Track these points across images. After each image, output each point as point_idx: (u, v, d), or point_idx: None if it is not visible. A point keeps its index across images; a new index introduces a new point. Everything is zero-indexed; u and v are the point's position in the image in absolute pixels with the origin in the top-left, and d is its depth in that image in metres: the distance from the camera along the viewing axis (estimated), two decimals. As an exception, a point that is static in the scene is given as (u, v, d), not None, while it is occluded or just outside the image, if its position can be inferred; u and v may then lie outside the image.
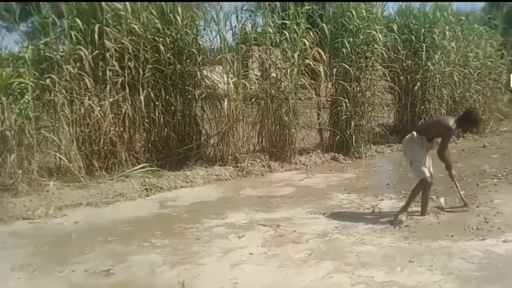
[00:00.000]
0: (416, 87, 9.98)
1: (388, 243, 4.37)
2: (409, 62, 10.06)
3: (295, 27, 8.03)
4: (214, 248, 4.35)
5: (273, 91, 7.96)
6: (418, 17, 10.40)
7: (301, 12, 8.04)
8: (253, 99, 8.00)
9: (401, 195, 5.98)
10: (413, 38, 10.11)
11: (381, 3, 9.28)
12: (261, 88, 8.00)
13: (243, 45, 7.83)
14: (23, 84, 6.06)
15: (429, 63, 9.95)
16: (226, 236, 4.67)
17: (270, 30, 7.94)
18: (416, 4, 10.63)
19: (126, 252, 4.30)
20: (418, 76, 10.00)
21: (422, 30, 10.12)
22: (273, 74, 8.08)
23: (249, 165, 7.41)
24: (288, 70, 8.03)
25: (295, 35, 8.03)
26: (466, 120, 5.08)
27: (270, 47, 8.05)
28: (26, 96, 6.06)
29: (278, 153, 7.94)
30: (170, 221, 5.23)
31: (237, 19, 7.96)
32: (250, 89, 7.80)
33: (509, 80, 9.50)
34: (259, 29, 8.37)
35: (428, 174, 5.01)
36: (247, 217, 5.30)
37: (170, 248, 4.37)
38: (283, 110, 7.91)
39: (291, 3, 8.06)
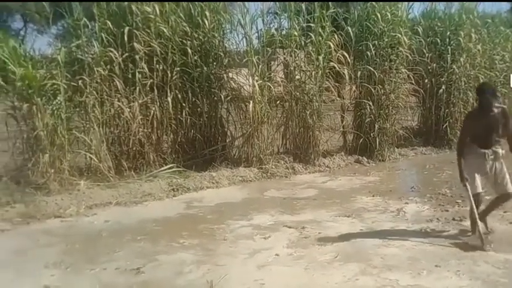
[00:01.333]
0: (441, 90, 9.83)
1: (413, 247, 4.35)
2: (434, 64, 9.90)
3: (320, 30, 8.03)
4: (241, 249, 4.39)
5: (297, 93, 7.97)
6: (444, 19, 10.24)
7: (326, 16, 8.02)
8: (278, 102, 8.02)
9: (425, 199, 5.94)
10: (439, 41, 9.97)
11: (406, 5, 9.22)
12: (285, 90, 8.02)
13: (268, 48, 7.88)
14: (55, 86, 6.20)
15: (454, 66, 9.80)
16: (252, 237, 4.71)
17: (295, 33, 7.96)
18: (441, 6, 10.52)
19: (154, 251, 4.37)
20: (443, 79, 9.86)
21: (448, 33, 9.96)
22: (298, 77, 8.09)
23: (273, 166, 7.43)
24: (313, 73, 8.03)
25: (320, 38, 8.03)
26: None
27: (295, 49, 8.07)
28: (58, 98, 6.20)
29: (302, 155, 7.93)
30: (197, 221, 5.29)
31: (263, 22, 8.01)
32: (275, 91, 7.82)
33: (510, 80, 9.37)
34: (284, 32, 8.41)
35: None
36: (272, 218, 5.32)
37: (197, 248, 4.42)
38: (308, 112, 7.91)
39: (316, 6, 8.06)
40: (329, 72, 8.22)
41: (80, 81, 6.45)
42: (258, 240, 4.64)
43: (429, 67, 9.89)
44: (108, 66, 6.69)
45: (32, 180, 5.88)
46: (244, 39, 7.87)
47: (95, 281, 3.76)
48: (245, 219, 5.32)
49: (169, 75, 7.13)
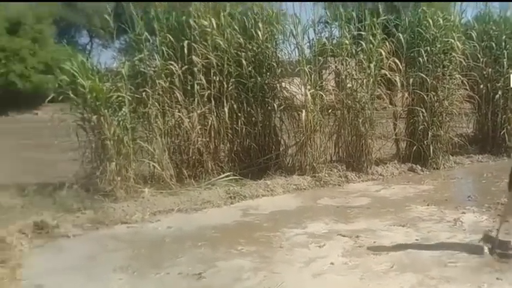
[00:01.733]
0: (497, 96, 9.58)
1: (472, 258, 4.29)
2: (490, 69, 9.65)
3: (371, 37, 8.04)
4: (296, 257, 4.47)
5: (349, 101, 8.02)
6: (499, 22, 9.99)
7: (377, 23, 8.05)
8: (330, 110, 8.09)
9: (484, 209, 5.84)
10: (494, 45, 9.73)
11: (459, 10, 9.11)
12: (337, 99, 8.08)
13: (320, 57, 7.98)
14: (120, 98, 6.51)
15: (511, 71, 9.60)
16: (307, 245, 4.79)
17: (346, 41, 8.02)
18: (496, 9, 10.28)
19: (214, 257, 4.53)
20: (499, 84, 9.60)
21: (503, 37, 9.72)
22: (349, 85, 8.15)
23: (326, 175, 7.49)
24: (364, 80, 8.06)
25: (371, 46, 8.04)
26: None
27: (346, 57, 8.13)
28: (123, 109, 6.50)
29: (355, 163, 7.97)
30: (253, 229, 5.42)
31: (314, 32, 8.15)
32: (327, 100, 7.91)
33: (510, 80, 9.04)
34: (335, 41, 8.50)
35: None
36: (327, 227, 5.39)
37: (255, 255, 4.54)
38: (360, 120, 7.94)
39: (367, 14, 8.10)
40: (380, 80, 8.21)
41: (143, 93, 6.75)
42: (312, 248, 4.72)
43: (484, 72, 9.65)
44: (169, 79, 6.96)
45: (100, 187, 6.18)
46: (296, 49, 7.99)
47: (160, 285, 3.96)
48: (300, 227, 5.40)
49: (226, 86, 7.34)
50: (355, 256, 4.46)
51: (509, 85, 8.68)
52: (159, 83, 6.85)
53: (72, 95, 6.51)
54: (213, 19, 7.31)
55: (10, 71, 23.72)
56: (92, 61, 7.13)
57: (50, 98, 6.89)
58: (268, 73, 7.90)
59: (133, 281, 4.08)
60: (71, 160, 7.08)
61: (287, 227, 5.44)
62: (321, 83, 8.08)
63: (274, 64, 7.87)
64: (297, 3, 7.93)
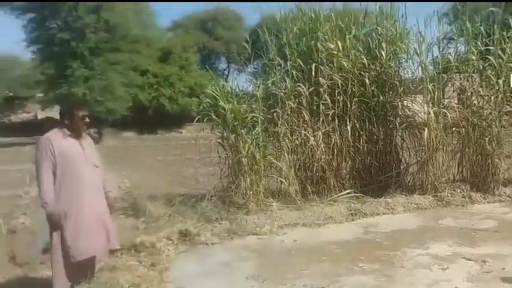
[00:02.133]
0: None
1: None
2: None
3: (499, 52, 7.41)
4: (419, 278, 4.26)
5: (474, 119, 7.46)
6: None
7: (507, 37, 7.38)
8: (454, 128, 7.57)
9: None
10: None
11: None
12: (461, 116, 7.55)
13: (444, 74, 7.52)
14: (255, 118, 6.71)
15: None
16: (429, 267, 4.53)
17: (473, 57, 7.48)
18: None
19: (336, 272, 4.48)
20: None
21: None
22: (475, 102, 7.59)
23: (448, 195, 7.01)
24: (492, 97, 7.44)
25: (500, 60, 7.40)
26: None
27: (472, 74, 7.58)
28: (256, 128, 6.70)
29: (480, 183, 7.36)
30: (374, 247, 5.27)
31: (439, 49, 7.69)
32: (451, 117, 7.41)
33: (510, 80, 7.39)
34: (460, 57, 7.95)
35: None
36: (450, 249, 5.05)
37: (377, 273, 4.41)
38: (486, 139, 7.32)
39: (495, 28, 7.48)
40: (510, 96, 7.51)
41: (274, 114, 6.91)
42: (435, 270, 4.45)
43: None
44: (297, 100, 7.03)
45: (235, 200, 6.43)
46: (419, 67, 7.62)
47: (287, 296, 4.01)
48: (421, 247, 5.13)
49: (349, 105, 7.22)
50: (481, 282, 4.13)
51: (510, 85, 7.44)
52: (288, 103, 6.95)
53: (214, 116, 6.89)
54: (339, 42, 7.27)
55: (161, 95, 25.90)
56: (230, 85, 7.46)
57: (196, 118, 7.35)
58: (390, 92, 7.64)
59: (264, 289, 4.16)
60: (210, 174, 7.53)
61: (408, 246, 5.20)
62: (444, 100, 7.57)
63: (397, 83, 7.58)
64: (422, 21, 7.55)
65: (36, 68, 26.37)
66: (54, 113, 24.25)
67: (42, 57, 22.81)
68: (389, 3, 7.80)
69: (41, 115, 29.97)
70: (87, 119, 3.81)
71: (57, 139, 3.63)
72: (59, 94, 21.17)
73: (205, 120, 7.10)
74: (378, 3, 7.84)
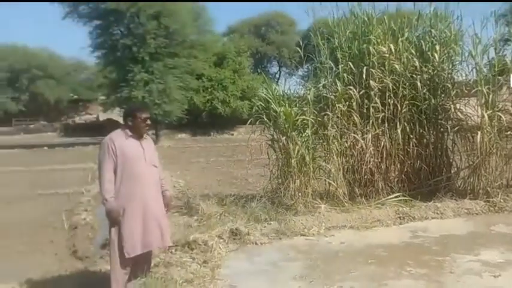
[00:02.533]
0: None
1: None
2: None
3: (557, 53, 7.08)
4: (469, 285, 4.17)
5: (530, 123, 7.15)
6: None
7: None
8: (508, 132, 7.26)
9: None
10: None
11: None
12: (517, 120, 7.26)
13: (500, 77, 7.25)
14: (305, 121, 6.72)
15: None
16: (480, 274, 4.41)
17: (531, 58, 7.17)
18: None
19: (384, 276, 4.44)
20: None
21: None
22: (531, 105, 7.27)
23: (501, 200, 6.74)
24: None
25: (558, 62, 7.06)
26: None
27: (530, 76, 7.26)
28: (307, 131, 6.71)
29: (535, 189, 7.05)
30: (422, 251, 5.16)
31: (495, 51, 7.41)
32: (506, 120, 7.12)
33: (510, 80, 6.59)
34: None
35: None
36: (502, 256, 4.87)
37: (425, 278, 4.34)
38: (542, 143, 7.03)
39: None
40: None
41: (324, 117, 6.90)
42: (486, 277, 4.33)
43: None
44: (347, 103, 6.99)
45: (283, 201, 6.48)
46: (474, 69, 7.38)
47: (335, 297, 4.02)
48: (472, 253, 4.98)
49: (399, 108, 7.10)
50: (534, 290, 3.97)
51: (510, 85, 6.98)
52: (338, 106, 6.92)
53: (265, 119, 7.00)
54: (391, 45, 7.18)
55: (214, 98, 26.39)
56: (281, 88, 7.53)
57: (248, 121, 7.48)
58: (442, 95, 7.46)
59: (310, 289, 4.18)
60: (260, 176, 7.62)
61: (458, 252, 5.07)
62: (499, 103, 7.28)
63: (450, 86, 7.39)
64: (478, 22, 7.30)
65: (100, 72, 27.70)
66: (115, 115, 25.43)
67: (106, 62, 23.87)
68: (443, 3, 7.64)
69: (103, 117, 31.41)
70: (148, 121, 3.99)
71: (120, 139, 3.81)
72: (120, 97, 22.06)
73: (257, 122, 7.22)
74: (433, 4, 7.67)
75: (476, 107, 7.29)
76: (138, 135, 3.92)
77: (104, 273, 4.51)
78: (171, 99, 22.53)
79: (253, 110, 7.79)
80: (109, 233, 3.81)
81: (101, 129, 24.91)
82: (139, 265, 3.94)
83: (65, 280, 4.69)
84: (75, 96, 39.55)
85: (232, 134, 27.31)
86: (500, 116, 7.04)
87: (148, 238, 3.82)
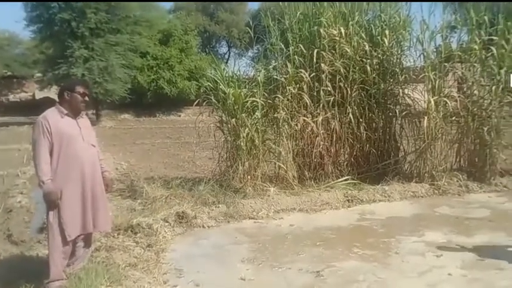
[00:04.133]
0: None
1: None
2: None
3: (503, 42, 7.41)
4: (412, 265, 4.33)
5: (474, 109, 7.48)
6: None
7: (512, 28, 7.36)
8: (453, 117, 7.61)
9: None
10: None
11: None
12: (461, 106, 7.57)
13: (446, 64, 7.51)
14: (255, 103, 6.71)
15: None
16: (424, 254, 4.60)
17: (476, 46, 7.47)
18: None
19: (331, 257, 4.54)
20: None
21: None
22: (476, 92, 7.60)
23: (445, 183, 7.03)
24: (493, 87, 7.43)
25: (503, 51, 7.41)
26: None
27: (474, 64, 7.58)
28: (256, 113, 6.71)
29: (477, 173, 7.41)
30: (369, 233, 5.33)
31: (442, 37, 7.67)
32: (451, 108, 7.41)
33: (510, 80, 7.45)
34: (463, 46, 7.93)
35: None
36: (445, 237, 5.10)
37: (371, 259, 4.47)
38: (485, 129, 7.37)
39: (500, 18, 7.48)
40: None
41: (274, 99, 6.90)
42: (429, 257, 4.52)
43: None
44: (298, 85, 7.02)
45: (232, 184, 6.47)
46: (421, 55, 7.63)
47: (282, 279, 4.06)
48: (416, 235, 5.19)
49: (349, 92, 7.23)
50: (475, 269, 4.20)
51: (510, 85, 7.47)
52: (289, 89, 6.93)
53: (214, 100, 6.91)
54: (342, 28, 7.25)
55: (160, 77, 25.75)
56: (231, 69, 7.48)
57: (196, 102, 7.34)
58: (391, 79, 7.67)
59: (259, 272, 4.24)
60: (208, 158, 7.54)
61: (403, 234, 5.27)
62: (445, 89, 7.57)
63: (398, 71, 7.60)
64: (426, 9, 7.53)
65: (36, 48, 26.20)
66: (52, 93, 24.25)
67: (42, 37, 22.64)
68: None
69: (39, 95, 29.85)
70: (87, 98, 3.82)
71: (54, 118, 3.63)
72: (58, 74, 21.05)
73: (204, 103, 7.11)
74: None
75: (423, 92, 7.54)
76: (75, 113, 3.75)
77: (41, 258, 4.36)
78: (113, 78, 21.75)
79: (201, 90, 7.65)
80: (46, 216, 3.66)
81: (37, 108, 23.51)
82: (78, 249, 3.82)
83: (-2, 265, 4.47)
84: (9, 73, 37.36)
85: (179, 116, 26.79)
86: (446, 102, 7.29)
87: (87, 220, 3.71)
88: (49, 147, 3.56)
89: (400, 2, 7.85)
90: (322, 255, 4.61)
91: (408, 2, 7.86)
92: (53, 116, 3.64)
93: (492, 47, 7.44)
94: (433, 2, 7.77)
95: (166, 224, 5.30)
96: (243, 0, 34.38)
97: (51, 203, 3.56)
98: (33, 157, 3.62)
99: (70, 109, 3.72)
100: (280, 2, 7.68)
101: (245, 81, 7.09)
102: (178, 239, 5.12)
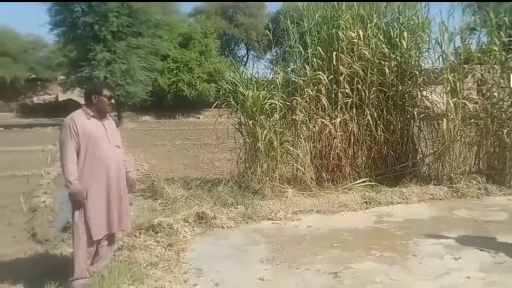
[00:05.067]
0: None
1: None
2: None
3: (524, 43, 7.32)
4: (430, 267, 4.30)
5: (494, 111, 7.39)
6: None
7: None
8: (472, 120, 7.52)
9: None
10: None
11: None
12: (481, 108, 7.48)
13: (465, 65, 7.44)
14: (273, 105, 6.74)
15: None
16: (442, 256, 4.57)
17: (495, 48, 7.39)
18: None
19: (349, 259, 4.54)
20: None
21: None
22: (495, 94, 7.51)
23: (464, 186, 6.96)
24: (512, 83, 7.35)
25: (524, 52, 7.31)
26: None
27: (494, 65, 7.49)
28: (275, 115, 6.73)
29: (496, 176, 7.31)
30: (387, 235, 5.31)
31: (461, 39, 7.60)
32: (470, 108, 7.33)
33: (509, 80, 7.19)
34: (483, 47, 7.84)
35: None
36: (463, 240, 5.03)
37: (388, 261, 4.46)
38: (505, 131, 7.27)
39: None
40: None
41: (293, 101, 6.92)
42: (447, 260, 4.48)
43: None
44: (316, 87, 7.02)
45: (250, 185, 6.51)
46: (440, 57, 7.57)
47: (300, 280, 4.07)
48: (434, 237, 5.15)
49: (367, 94, 7.21)
50: (493, 272, 4.15)
51: (510, 85, 7.34)
52: (307, 91, 6.94)
53: (233, 102, 6.97)
54: (360, 30, 7.24)
55: (180, 80, 25.98)
56: (250, 71, 7.55)
57: (215, 104, 7.40)
58: (409, 82, 7.63)
59: (277, 272, 4.25)
60: (227, 160, 7.59)
61: (421, 236, 5.24)
62: (465, 91, 7.48)
63: (417, 73, 7.56)
64: (445, 10, 7.48)
65: (59, 51, 26.69)
66: (75, 95, 24.68)
67: (65, 40, 23.08)
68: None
69: (62, 97, 30.39)
70: (113, 101, 3.91)
71: (81, 120, 3.71)
72: (81, 77, 21.44)
73: (223, 106, 7.16)
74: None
75: (442, 94, 7.47)
76: (101, 115, 3.84)
77: (65, 256, 4.44)
78: (135, 80, 22.06)
79: (220, 93, 7.71)
80: (72, 215, 3.73)
81: (60, 110, 24.10)
82: (102, 248, 3.89)
83: (23, 263, 4.57)
84: (33, 75, 38.08)
85: (199, 118, 27.01)
86: (465, 104, 7.21)
87: (113, 220, 3.78)
88: (76, 148, 3.63)
89: (419, 3, 7.81)
90: (339, 257, 4.61)
91: (427, 3, 7.81)
92: (79, 118, 3.72)
93: (512, 48, 7.36)
94: (452, 3, 7.72)
95: (187, 224, 5.35)
96: (261, 0, 34.35)
97: (77, 202, 3.64)
98: (60, 158, 3.70)
99: (97, 111, 3.80)
100: (299, 5, 7.68)
101: (263, 84, 7.12)
102: (198, 239, 5.17)
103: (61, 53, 26.47)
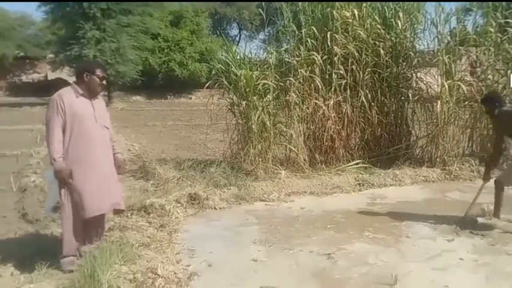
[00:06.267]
0: None
1: None
2: None
3: (520, 25, 7.24)
4: (423, 248, 4.31)
5: (488, 93, 7.39)
6: None
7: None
8: (466, 102, 7.50)
9: None
10: None
11: None
12: (475, 90, 7.47)
13: (460, 47, 7.39)
14: (266, 85, 6.68)
15: None
16: (434, 238, 4.58)
17: (491, 29, 7.33)
18: None
19: (343, 240, 4.54)
20: None
21: None
22: (490, 76, 7.48)
23: (457, 168, 6.97)
24: (508, 71, 7.31)
25: (520, 34, 7.25)
26: None
27: (490, 47, 7.44)
28: (268, 96, 6.68)
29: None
30: (380, 217, 5.31)
31: (457, 20, 7.54)
32: (464, 92, 7.31)
33: (509, 79, 7.27)
34: (478, 29, 7.79)
35: None
36: (456, 222, 5.01)
37: (381, 243, 4.47)
38: (499, 114, 7.27)
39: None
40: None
41: (286, 82, 6.86)
42: (440, 241, 4.50)
43: None
44: (310, 68, 6.96)
45: (243, 167, 6.49)
46: (436, 39, 7.51)
47: (293, 261, 4.07)
48: (427, 219, 5.15)
49: (362, 75, 7.17)
50: (486, 254, 4.18)
51: (510, 85, 7.32)
52: (301, 72, 6.88)
53: (225, 82, 6.88)
54: (355, 10, 7.16)
55: (171, 60, 25.64)
56: (242, 51, 7.42)
57: (207, 84, 7.31)
58: (404, 63, 7.60)
59: (271, 253, 4.25)
60: (219, 141, 7.55)
61: (414, 218, 5.24)
62: (459, 73, 7.45)
63: (411, 54, 7.52)
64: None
65: (48, 29, 26.18)
66: (65, 74, 24.31)
67: (54, 18, 22.64)
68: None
69: (51, 76, 29.93)
70: (104, 81, 3.84)
71: (69, 97, 3.65)
72: (70, 55, 21.10)
73: (215, 86, 7.08)
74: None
75: (436, 76, 7.44)
76: (91, 95, 3.76)
77: (56, 237, 4.42)
78: (125, 59, 21.77)
79: (213, 73, 7.62)
80: (59, 195, 3.70)
81: (49, 88, 23.61)
82: (92, 228, 3.87)
83: (14, 243, 4.55)
84: (22, 54, 37.41)
85: (190, 98, 26.79)
86: (460, 86, 7.18)
87: (101, 200, 3.74)
88: (62, 125, 3.58)
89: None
90: (332, 238, 4.62)
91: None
92: (68, 95, 3.66)
93: (510, 29, 7.28)
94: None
95: (179, 205, 5.33)
96: (251, 0, 33.71)
97: (62, 180, 3.60)
98: (46, 135, 3.66)
99: (87, 90, 3.73)
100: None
101: (256, 64, 7.05)
102: (190, 220, 5.15)
103: (50, 31, 25.98)
